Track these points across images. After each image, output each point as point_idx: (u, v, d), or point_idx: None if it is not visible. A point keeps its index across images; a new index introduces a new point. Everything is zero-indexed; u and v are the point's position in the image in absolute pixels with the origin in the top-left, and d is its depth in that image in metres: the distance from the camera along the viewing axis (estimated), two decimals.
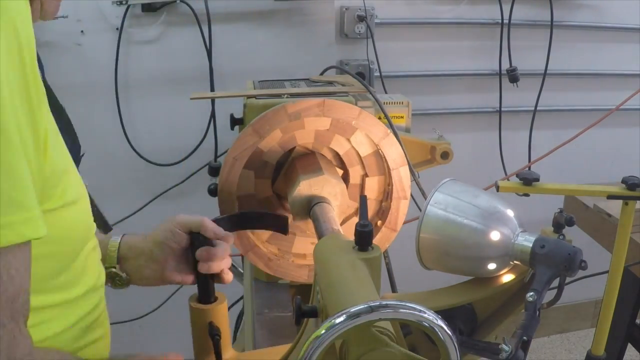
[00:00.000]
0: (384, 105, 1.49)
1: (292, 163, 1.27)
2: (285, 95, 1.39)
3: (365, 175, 1.30)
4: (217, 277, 1.04)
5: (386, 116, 1.45)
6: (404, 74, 2.38)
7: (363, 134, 1.24)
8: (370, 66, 2.31)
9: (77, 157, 0.91)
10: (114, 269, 1.04)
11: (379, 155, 1.28)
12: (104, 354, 0.92)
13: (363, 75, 2.32)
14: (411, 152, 1.45)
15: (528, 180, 1.28)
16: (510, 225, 0.98)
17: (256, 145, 1.19)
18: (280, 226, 1.11)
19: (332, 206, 1.12)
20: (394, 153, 1.24)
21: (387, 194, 1.31)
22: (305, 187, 1.14)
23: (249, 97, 1.39)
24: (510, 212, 0.99)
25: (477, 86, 2.46)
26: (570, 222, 1.02)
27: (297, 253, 1.30)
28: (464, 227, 0.97)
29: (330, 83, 1.58)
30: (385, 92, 2.28)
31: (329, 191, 1.14)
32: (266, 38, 2.21)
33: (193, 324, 1.04)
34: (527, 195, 1.36)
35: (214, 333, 1.00)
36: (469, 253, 0.98)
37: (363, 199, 0.92)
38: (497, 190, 1.32)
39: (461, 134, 2.46)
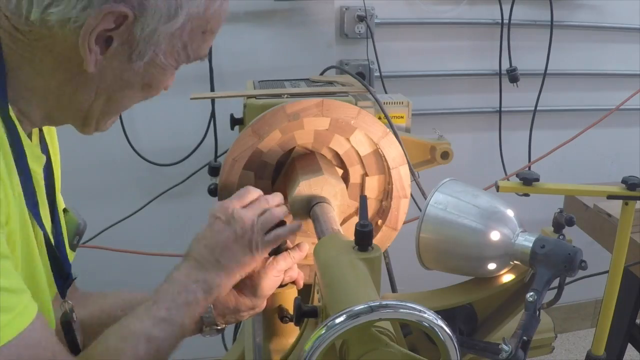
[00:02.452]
0: (384, 105, 1.49)
1: (292, 163, 1.27)
2: (285, 95, 1.38)
3: (365, 174, 1.30)
4: None
5: (386, 116, 1.45)
6: (404, 74, 2.38)
7: (362, 134, 1.23)
8: (370, 66, 2.31)
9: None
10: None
11: (378, 155, 1.27)
12: None
13: (363, 75, 2.32)
14: (411, 152, 1.45)
15: (528, 180, 1.28)
16: (510, 225, 0.98)
17: (255, 146, 1.19)
18: None
19: (332, 206, 1.12)
20: (393, 152, 1.24)
21: (387, 193, 1.30)
22: (304, 187, 1.13)
23: (249, 97, 1.38)
24: (510, 212, 0.99)
25: (477, 86, 2.46)
26: (570, 222, 1.02)
27: None
28: (464, 227, 0.97)
29: (330, 83, 1.58)
30: (385, 92, 2.27)
31: (329, 191, 1.14)
32: (266, 38, 2.20)
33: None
34: (527, 195, 1.36)
35: (283, 315, 1.02)
36: (469, 253, 0.98)
37: (363, 199, 0.92)
38: (497, 190, 1.32)
39: (461, 134, 2.46)
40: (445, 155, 1.50)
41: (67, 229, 0.97)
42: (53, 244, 0.88)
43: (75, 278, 0.95)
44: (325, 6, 2.22)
